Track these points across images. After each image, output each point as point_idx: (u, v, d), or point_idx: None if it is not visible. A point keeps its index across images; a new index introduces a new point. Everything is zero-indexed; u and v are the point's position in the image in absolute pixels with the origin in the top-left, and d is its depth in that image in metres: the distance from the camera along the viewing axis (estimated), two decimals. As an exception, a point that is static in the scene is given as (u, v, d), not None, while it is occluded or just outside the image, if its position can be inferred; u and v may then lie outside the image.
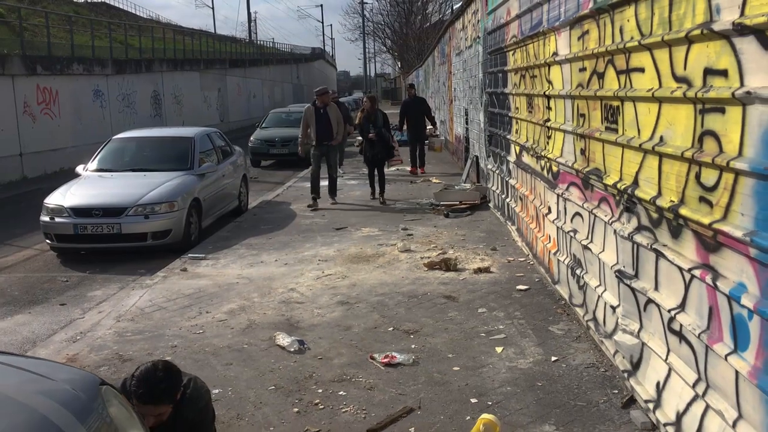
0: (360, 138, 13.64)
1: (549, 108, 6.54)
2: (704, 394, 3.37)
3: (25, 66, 17.59)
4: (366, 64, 63.32)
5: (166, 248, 9.02)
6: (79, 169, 10.37)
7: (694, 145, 3.35)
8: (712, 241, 3.23)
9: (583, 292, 5.57)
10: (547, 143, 6.63)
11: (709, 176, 3.22)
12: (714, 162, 3.10)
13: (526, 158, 7.83)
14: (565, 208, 6.08)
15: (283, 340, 5.59)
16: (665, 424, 3.70)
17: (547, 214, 6.75)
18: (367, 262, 7.95)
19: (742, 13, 2.88)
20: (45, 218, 8.97)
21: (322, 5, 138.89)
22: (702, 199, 3.30)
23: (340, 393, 4.65)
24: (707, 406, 3.34)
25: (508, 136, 8.93)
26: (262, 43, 61.37)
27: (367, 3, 59.32)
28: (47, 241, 9.12)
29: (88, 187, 9.49)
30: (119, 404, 2.41)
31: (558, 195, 6.25)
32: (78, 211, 8.85)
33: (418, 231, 9.53)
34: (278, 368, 5.12)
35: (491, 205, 10.92)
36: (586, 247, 5.40)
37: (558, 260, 6.31)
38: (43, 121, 18.38)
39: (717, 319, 3.24)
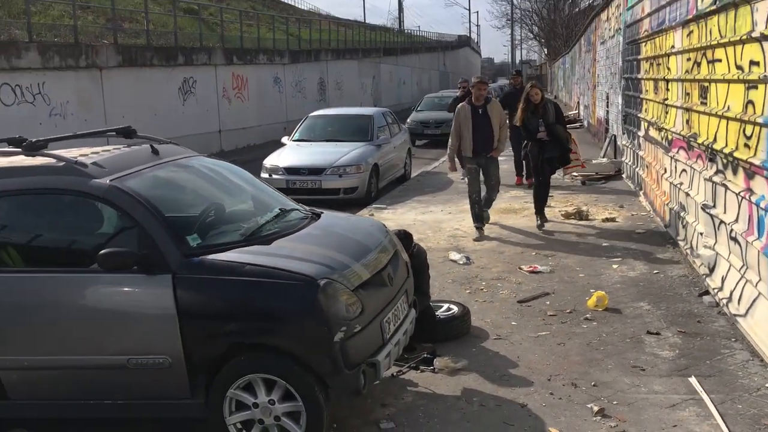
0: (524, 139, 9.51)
1: (667, 89, 8.25)
2: (744, 273, 5.17)
3: (225, 57, 21.00)
4: (512, 51, 64.41)
5: (353, 202, 11.48)
6: (284, 139, 13.12)
7: (743, 111, 5.14)
8: (749, 171, 5.03)
9: (684, 229, 7.33)
10: (665, 117, 8.34)
11: (749, 130, 5.02)
12: (750, 120, 4.91)
13: (652, 132, 9.50)
14: (675, 167, 7.81)
15: (454, 256, 7.79)
16: (722, 299, 5.53)
17: (663, 174, 8.47)
18: (515, 213, 9.98)
19: (766, 26, 4.67)
20: (264, 175, 11.71)
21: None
22: (746, 145, 5.10)
23: (498, 285, 6.77)
24: (746, 281, 5.14)
25: (639, 115, 10.58)
26: (410, 31, 64.03)
27: (515, -9, 60.16)
28: (265, 193, 11.87)
29: (295, 153, 12.19)
30: (395, 236, 4.71)
31: (671, 157, 7.98)
32: (290, 170, 11.53)
33: (557, 194, 11.36)
34: (452, 272, 7.30)
35: (624, 176, 12.52)
36: (687, 194, 7.16)
37: (669, 209, 8.05)
38: (236, 104, 21.78)
39: (751, 222, 5.04)
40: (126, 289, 3.69)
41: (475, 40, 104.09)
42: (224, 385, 3.64)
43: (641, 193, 10.52)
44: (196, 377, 3.69)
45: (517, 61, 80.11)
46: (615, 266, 7.14)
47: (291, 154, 12.16)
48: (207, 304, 3.62)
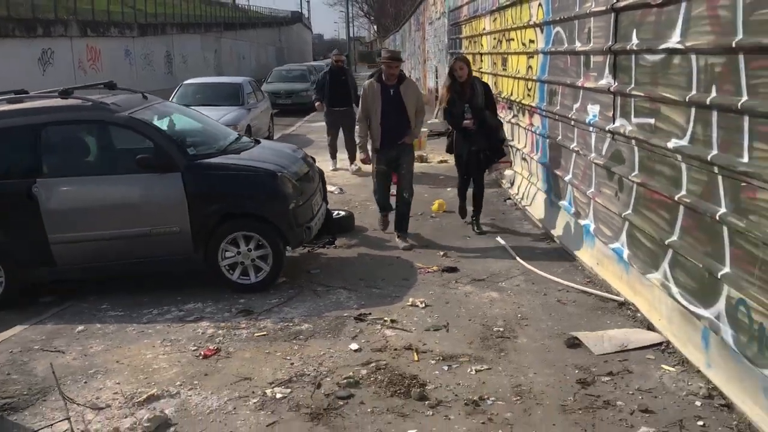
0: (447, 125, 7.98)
1: (481, 61, 11.09)
2: (530, 179, 8.00)
3: (79, 29, 21.61)
4: (348, 28, 67.08)
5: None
6: (162, 105, 14.68)
7: (526, 73, 7.93)
8: (531, 112, 7.84)
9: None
10: (481, 82, 11.20)
11: (530, 85, 7.81)
12: (530, 78, 7.69)
13: (472, 94, 12.37)
14: (488, 118, 10.67)
15: (331, 188, 10.12)
16: (518, 199, 8.36)
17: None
18: (371, 161, 12.48)
19: (536, 17, 7.42)
20: (151, 135, 13.32)
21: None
22: (528, 95, 7.90)
23: (367, 203, 9.21)
24: (531, 184, 7.97)
25: (462, 82, 13.46)
26: (244, 5, 64.61)
27: (346, -31, 62.59)
28: (151, 151, 13.48)
29: (176, 116, 13.85)
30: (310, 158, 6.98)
31: (485, 111, 10.84)
32: (175, 130, 13.22)
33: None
34: (332, 198, 9.57)
35: (452, 133, 15.48)
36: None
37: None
38: (91, 75, 22.40)
39: (533, 145, 7.86)
40: (151, 183, 5.67)
41: (307, 17, 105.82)
42: (218, 240, 5.75)
43: (466, 143, 13.44)
44: (198, 239, 5.76)
45: (346, 38, 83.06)
46: (449, 189, 9.82)
47: (172, 117, 13.81)
48: (206, 189, 5.70)
